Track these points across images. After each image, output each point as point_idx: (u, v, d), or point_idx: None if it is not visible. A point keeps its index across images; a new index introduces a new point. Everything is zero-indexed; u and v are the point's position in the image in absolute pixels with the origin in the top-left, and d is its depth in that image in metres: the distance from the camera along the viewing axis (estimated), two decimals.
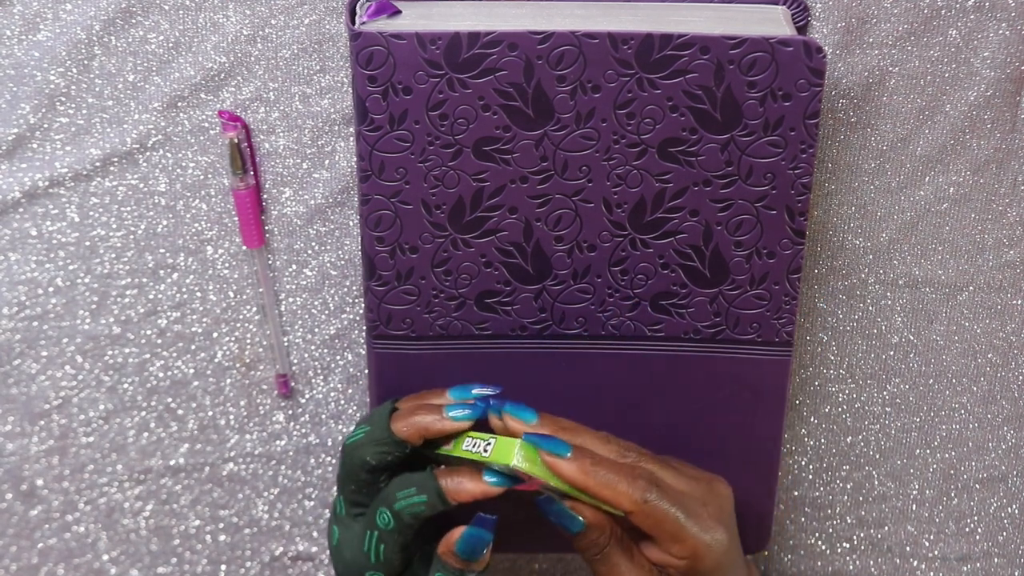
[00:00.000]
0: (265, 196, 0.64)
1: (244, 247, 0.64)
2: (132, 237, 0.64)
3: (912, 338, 0.68)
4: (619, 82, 0.55)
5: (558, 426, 0.56)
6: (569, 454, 0.53)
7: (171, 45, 0.61)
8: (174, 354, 0.67)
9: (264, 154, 0.63)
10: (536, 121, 0.56)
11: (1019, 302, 0.67)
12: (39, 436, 0.68)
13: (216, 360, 0.67)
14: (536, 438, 0.53)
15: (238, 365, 0.67)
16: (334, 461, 0.69)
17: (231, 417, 0.68)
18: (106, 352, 0.66)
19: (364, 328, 0.66)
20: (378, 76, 0.55)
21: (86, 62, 0.61)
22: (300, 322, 0.66)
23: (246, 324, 0.66)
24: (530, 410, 0.56)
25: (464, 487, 0.53)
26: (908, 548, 0.72)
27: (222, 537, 0.71)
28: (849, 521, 0.72)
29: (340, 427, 0.68)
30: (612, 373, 0.61)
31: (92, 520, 0.70)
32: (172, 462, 0.69)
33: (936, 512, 0.72)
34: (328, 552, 0.59)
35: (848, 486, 0.71)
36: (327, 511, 0.70)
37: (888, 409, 0.69)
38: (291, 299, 0.66)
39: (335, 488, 0.59)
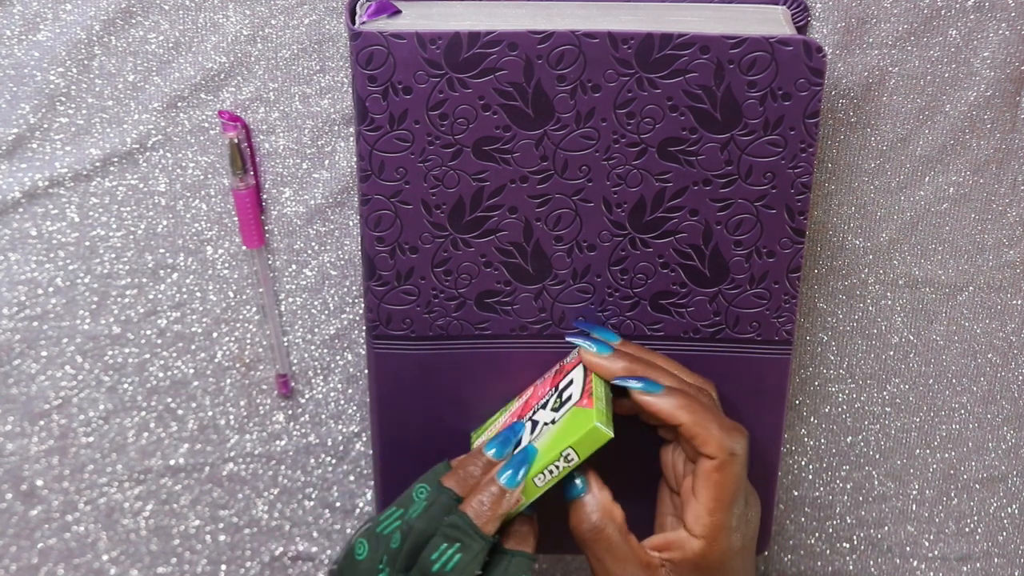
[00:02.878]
0: (265, 196, 0.64)
1: (244, 247, 0.64)
2: (132, 237, 0.64)
3: (912, 338, 0.68)
4: (619, 82, 0.55)
5: (644, 363, 0.57)
6: (660, 390, 0.55)
7: (171, 45, 0.61)
8: (174, 354, 0.67)
9: (264, 154, 0.63)
10: (536, 121, 0.56)
11: (1019, 302, 0.67)
12: (39, 436, 0.68)
13: (216, 360, 0.67)
14: (628, 380, 0.55)
15: (238, 365, 0.67)
16: (334, 461, 0.69)
17: (231, 417, 0.68)
18: (106, 352, 0.66)
19: (364, 328, 0.66)
20: (378, 76, 0.55)
21: (86, 62, 0.61)
22: (300, 322, 0.66)
23: (246, 324, 0.66)
24: (599, 342, 0.57)
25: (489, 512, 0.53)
26: (908, 548, 0.72)
27: (222, 537, 0.71)
28: (849, 521, 0.72)
29: (340, 427, 0.68)
30: None
31: (92, 520, 0.70)
32: (172, 462, 0.69)
33: (936, 512, 0.72)
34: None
35: (848, 486, 0.71)
36: (327, 511, 0.70)
37: (888, 409, 0.69)
38: (291, 299, 0.66)
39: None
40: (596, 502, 0.55)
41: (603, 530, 0.54)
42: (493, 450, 0.55)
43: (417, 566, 0.52)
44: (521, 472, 0.53)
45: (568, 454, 0.53)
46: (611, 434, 0.53)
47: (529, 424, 0.56)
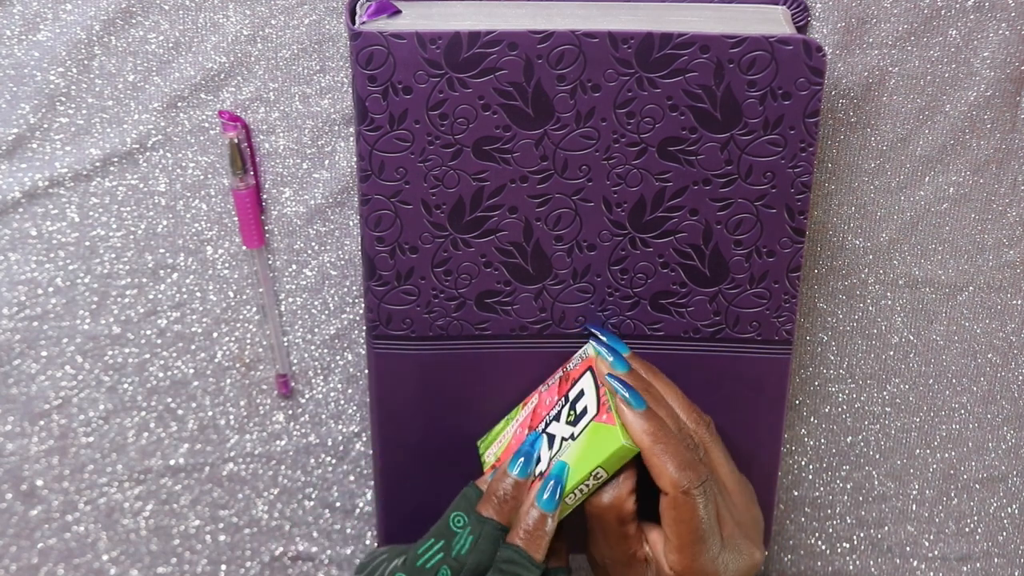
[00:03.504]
0: (265, 196, 0.64)
1: (244, 247, 0.64)
2: (132, 237, 0.64)
3: (912, 338, 0.68)
4: (619, 81, 0.55)
5: (644, 381, 0.57)
6: (642, 409, 0.54)
7: (171, 45, 0.61)
8: (174, 354, 0.67)
9: (264, 154, 0.63)
10: (536, 120, 0.56)
11: (1019, 302, 0.67)
12: (39, 436, 0.68)
13: (216, 360, 0.67)
14: (619, 384, 0.55)
15: (238, 365, 0.67)
16: (334, 461, 0.69)
17: (231, 417, 0.68)
18: (106, 352, 0.66)
19: (364, 328, 0.66)
20: (378, 76, 0.55)
21: (86, 62, 0.61)
22: (300, 322, 0.66)
23: (246, 324, 0.66)
24: (620, 358, 0.58)
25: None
26: (908, 548, 0.72)
27: (222, 537, 0.71)
28: (849, 521, 0.72)
29: (340, 427, 0.68)
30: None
31: (92, 520, 0.70)
32: (172, 462, 0.69)
33: (936, 512, 0.72)
34: None
35: (848, 486, 0.71)
36: (327, 511, 0.70)
37: (888, 409, 0.69)
38: (291, 299, 0.66)
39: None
40: (615, 489, 0.55)
41: (604, 516, 0.55)
42: (517, 470, 0.55)
43: None
44: (558, 493, 0.54)
45: (598, 473, 0.54)
46: (637, 449, 0.53)
47: (545, 438, 0.56)
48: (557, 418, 0.56)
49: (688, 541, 0.54)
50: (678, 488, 0.53)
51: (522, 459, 0.55)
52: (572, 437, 0.55)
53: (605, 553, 0.56)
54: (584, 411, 0.55)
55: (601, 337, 0.59)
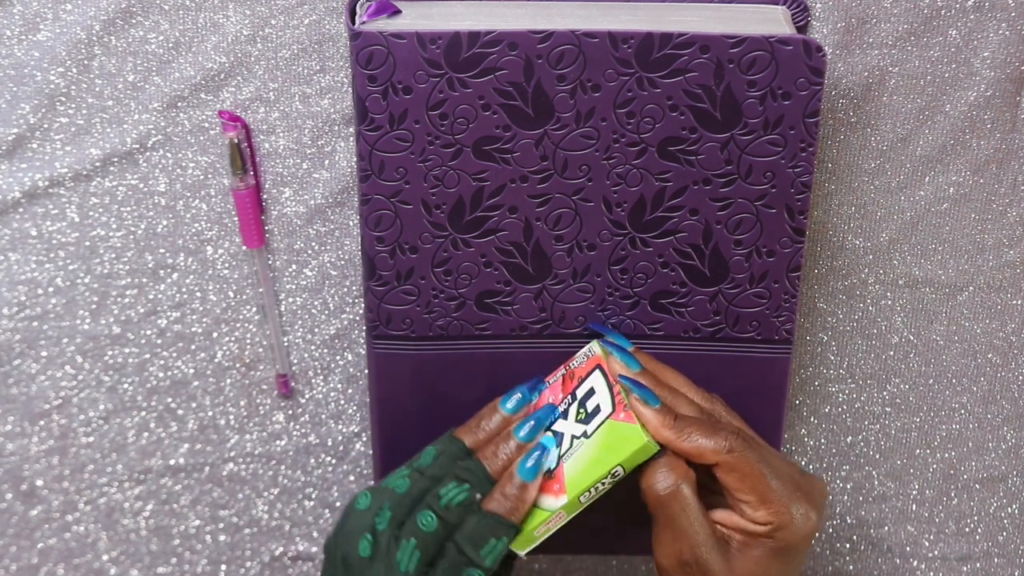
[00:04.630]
0: (265, 196, 0.64)
1: (244, 247, 0.64)
2: (132, 237, 0.64)
3: (912, 338, 0.68)
4: (619, 81, 0.55)
5: (653, 377, 0.57)
6: (657, 406, 0.54)
7: (171, 45, 0.61)
8: (174, 354, 0.67)
9: (264, 154, 0.63)
10: (536, 120, 0.56)
11: (1019, 302, 0.67)
12: (39, 436, 0.68)
13: (216, 360, 0.67)
14: (630, 383, 0.55)
15: (238, 365, 0.67)
16: (334, 461, 0.69)
17: (231, 417, 0.68)
18: (106, 352, 0.66)
19: (364, 328, 0.66)
20: (378, 76, 0.55)
21: (86, 62, 0.61)
22: (300, 322, 0.66)
23: (246, 324, 0.66)
24: (632, 358, 0.57)
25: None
26: (908, 548, 0.72)
27: (222, 537, 0.71)
28: (849, 521, 0.72)
29: (340, 427, 0.68)
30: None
31: (92, 520, 0.70)
32: (172, 462, 0.69)
33: (936, 512, 0.72)
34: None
35: (848, 486, 0.71)
36: (327, 511, 0.70)
37: (888, 409, 0.69)
38: (291, 299, 0.66)
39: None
40: (671, 460, 0.53)
41: (680, 489, 0.53)
42: (509, 404, 0.55)
43: (424, 500, 0.53)
44: (534, 431, 0.54)
45: (616, 471, 0.53)
46: (658, 447, 0.53)
47: (549, 434, 0.56)
48: (564, 415, 0.56)
49: (766, 489, 0.52)
50: (722, 452, 0.52)
51: (518, 395, 0.56)
52: (586, 435, 0.54)
53: (682, 546, 0.53)
54: (596, 409, 0.55)
55: (609, 338, 0.59)
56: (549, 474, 0.54)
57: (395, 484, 0.54)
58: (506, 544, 0.53)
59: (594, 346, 0.59)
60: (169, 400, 0.68)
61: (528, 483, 0.53)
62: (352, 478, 0.70)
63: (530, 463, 0.53)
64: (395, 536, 0.52)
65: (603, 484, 0.53)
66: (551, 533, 0.54)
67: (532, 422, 0.54)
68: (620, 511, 0.58)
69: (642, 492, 0.54)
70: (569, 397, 0.57)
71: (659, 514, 0.54)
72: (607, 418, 0.54)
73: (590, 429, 0.54)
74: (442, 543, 0.52)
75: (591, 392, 0.56)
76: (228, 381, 0.67)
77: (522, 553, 0.54)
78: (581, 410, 0.55)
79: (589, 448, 0.54)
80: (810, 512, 0.53)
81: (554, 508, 0.53)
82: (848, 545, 0.72)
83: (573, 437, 0.55)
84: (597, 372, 0.57)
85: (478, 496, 0.53)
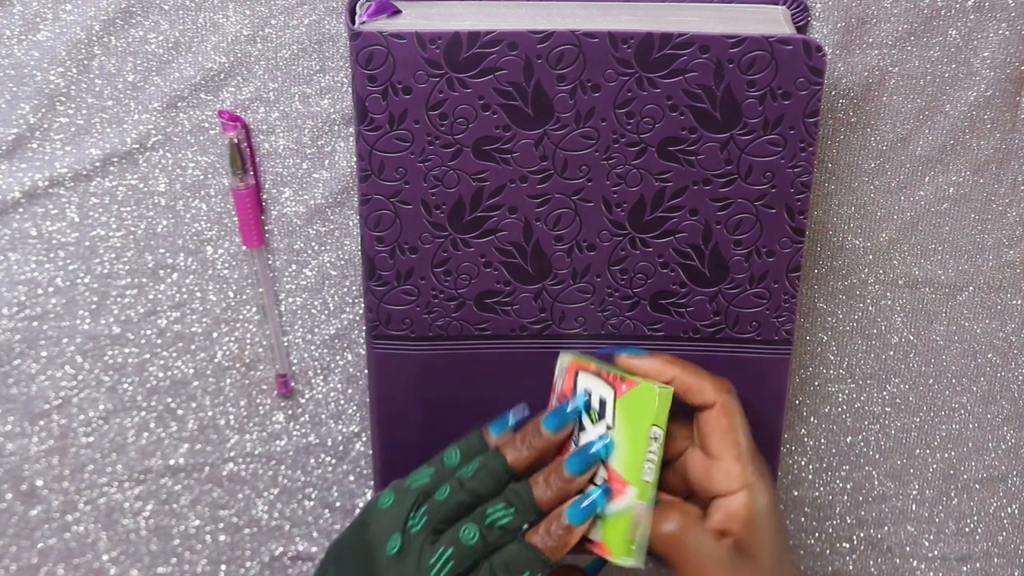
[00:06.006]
0: (265, 196, 0.64)
1: (244, 247, 0.64)
2: (132, 237, 0.64)
3: (912, 338, 0.68)
4: (619, 81, 0.55)
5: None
6: (645, 354, 0.56)
7: (171, 45, 0.61)
8: (174, 354, 0.67)
9: (264, 154, 0.63)
10: (536, 120, 0.56)
11: (1019, 302, 0.67)
12: (39, 436, 0.68)
13: (216, 360, 0.67)
14: (610, 351, 0.56)
15: (238, 365, 0.67)
16: (334, 461, 0.69)
17: (231, 417, 0.68)
18: (106, 352, 0.66)
19: (364, 328, 0.66)
20: (378, 76, 0.55)
21: (86, 62, 0.61)
22: (300, 322, 0.66)
23: (246, 324, 0.66)
24: (630, 348, 0.58)
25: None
26: (908, 548, 0.72)
27: (222, 537, 0.71)
28: (849, 521, 0.72)
29: (340, 427, 0.68)
30: None
31: (92, 520, 0.70)
32: (172, 462, 0.69)
33: (936, 512, 0.72)
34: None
35: (848, 486, 0.71)
36: (327, 511, 0.70)
37: (888, 409, 0.69)
38: (291, 299, 0.66)
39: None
40: (668, 505, 0.54)
41: (686, 524, 0.53)
42: (553, 423, 0.55)
43: (470, 515, 0.53)
44: (586, 466, 0.53)
45: (654, 432, 0.53)
46: (672, 389, 0.53)
47: (571, 447, 0.55)
48: (582, 428, 0.56)
49: (745, 449, 0.54)
50: (722, 391, 0.54)
51: (561, 415, 0.55)
52: (609, 428, 0.54)
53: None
54: (602, 401, 0.55)
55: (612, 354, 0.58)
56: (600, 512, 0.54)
57: (419, 483, 0.54)
58: None
59: (563, 359, 0.58)
60: (169, 400, 0.68)
61: (575, 527, 0.53)
62: (352, 478, 0.70)
63: (583, 505, 0.53)
64: (430, 541, 0.52)
65: (652, 453, 0.53)
66: (646, 532, 0.53)
67: (584, 459, 0.54)
68: None
69: (652, 543, 0.54)
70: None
71: (674, 555, 0.53)
72: (614, 401, 0.54)
73: (609, 420, 0.54)
74: (477, 560, 0.52)
75: (588, 393, 0.56)
76: (228, 381, 0.67)
77: (635, 563, 0.53)
78: (591, 413, 0.55)
79: (619, 434, 0.54)
80: (764, 485, 0.54)
81: (630, 504, 0.53)
82: (848, 545, 0.72)
83: (601, 439, 0.55)
84: (581, 375, 0.56)
85: (524, 525, 0.53)
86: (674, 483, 0.57)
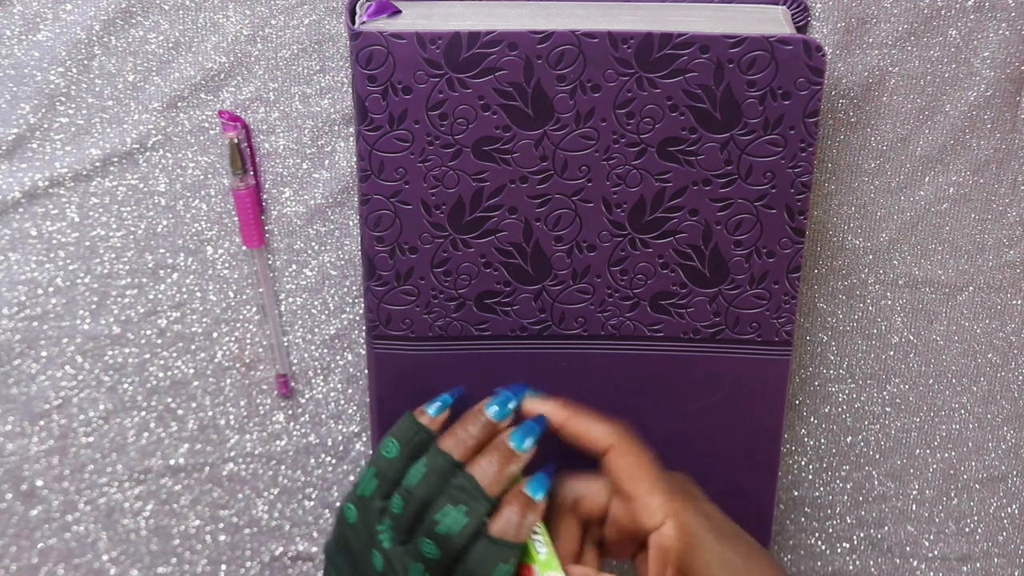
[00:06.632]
0: (265, 196, 0.64)
1: (244, 247, 0.64)
2: (132, 237, 0.64)
3: (912, 338, 0.68)
4: (619, 81, 0.55)
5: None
6: (539, 396, 0.56)
7: (171, 45, 0.61)
8: (174, 354, 0.67)
9: (264, 154, 0.63)
10: (536, 121, 0.56)
11: (1019, 302, 0.67)
12: (39, 436, 0.68)
13: (216, 360, 0.67)
14: (518, 388, 0.56)
15: (238, 365, 0.67)
16: (334, 461, 0.69)
17: (231, 417, 0.68)
18: (106, 352, 0.66)
19: (364, 328, 0.66)
20: (378, 76, 0.55)
21: (86, 62, 0.61)
22: (300, 322, 0.66)
23: (246, 324, 0.66)
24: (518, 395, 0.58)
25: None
26: (908, 548, 0.72)
27: (222, 537, 0.71)
28: (849, 521, 0.72)
29: (340, 427, 0.68)
30: (611, 373, 0.61)
31: (92, 520, 0.70)
32: (172, 462, 0.69)
33: (936, 512, 0.72)
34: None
35: (848, 486, 0.71)
36: (327, 511, 0.70)
37: (888, 409, 0.69)
38: (291, 299, 0.66)
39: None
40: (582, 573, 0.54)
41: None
42: (495, 408, 0.55)
43: (423, 527, 0.52)
44: (529, 439, 0.54)
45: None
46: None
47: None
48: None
49: (655, 481, 0.53)
50: (614, 435, 0.54)
51: (503, 399, 0.56)
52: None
53: None
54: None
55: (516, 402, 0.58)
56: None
57: (369, 490, 0.54)
58: (515, 565, 0.52)
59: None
60: (169, 400, 0.68)
61: (536, 502, 0.53)
62: (352, 478, 0.70)
63: (536, 481, 0.53)
64: (410, 554, 0.53)
65: (536, 534, 0.53)
66: None
67: (526, 430, 0.54)
68: None
69: None
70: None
71: None
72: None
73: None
74: (449, 567, 0.52)
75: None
76: (228, 381, 0.67)
77: None
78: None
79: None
80: (693, 498, 0.55)
81: None
82: (848, 545, 0.72)
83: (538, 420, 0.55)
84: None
85: (482, 519, 0.52)
86: (615, 538, 0.56)
